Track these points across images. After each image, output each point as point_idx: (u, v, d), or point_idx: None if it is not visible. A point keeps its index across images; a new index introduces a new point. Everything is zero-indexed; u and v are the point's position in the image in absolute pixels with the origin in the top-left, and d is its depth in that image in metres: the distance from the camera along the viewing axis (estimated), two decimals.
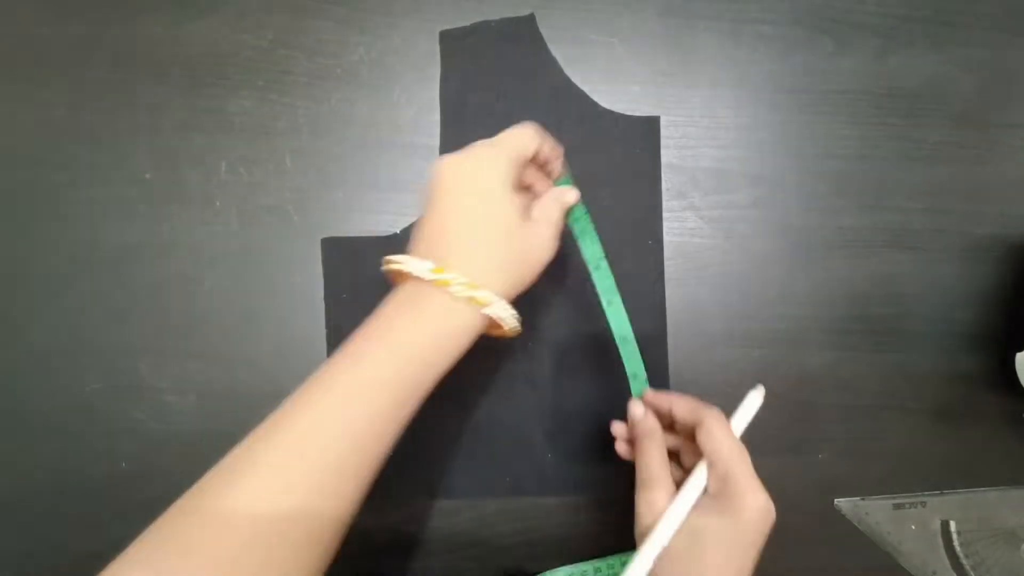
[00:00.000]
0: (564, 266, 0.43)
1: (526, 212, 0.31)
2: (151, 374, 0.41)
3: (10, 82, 0.41)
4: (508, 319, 0.29)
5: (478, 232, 0.28)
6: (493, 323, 0.29)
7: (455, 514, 0.42)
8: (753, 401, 0.34)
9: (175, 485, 0.41)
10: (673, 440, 0.34)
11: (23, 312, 0.41)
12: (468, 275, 0.27)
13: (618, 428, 0.37)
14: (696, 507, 0.29)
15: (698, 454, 0.31)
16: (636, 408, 0.35)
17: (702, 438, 0.30)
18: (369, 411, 0.27)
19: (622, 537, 0.43)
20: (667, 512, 0.29)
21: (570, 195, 0.34)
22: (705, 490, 0.30)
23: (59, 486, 0.41)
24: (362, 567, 0.42)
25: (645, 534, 0.29)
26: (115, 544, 0.41)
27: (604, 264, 0.36)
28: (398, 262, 0.28)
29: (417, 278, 0.28)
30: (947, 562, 0.44)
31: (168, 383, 0.41)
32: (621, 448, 0.36)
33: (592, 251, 0.37)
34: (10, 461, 0.41)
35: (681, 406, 0.33)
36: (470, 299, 0.27)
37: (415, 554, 0.42)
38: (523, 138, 0.32)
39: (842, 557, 0.44)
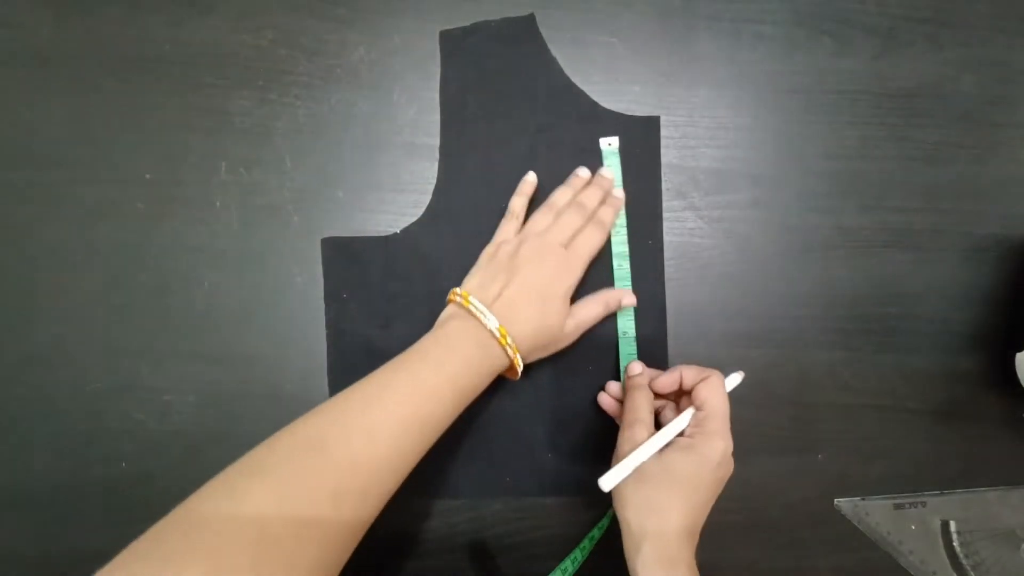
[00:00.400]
0: None
1: (567, 296, 0.39)
2: (151, 374, 0.41)
3: (10, 82, 0.41)
4: (521, 370, 0.38)
5: (533, 320, 0.37)
6: (510, 369, 0.37)
7: (455, 514, 0.42)
8: (733, 379, 0.39)
9: (175, 485, 0.41)
10: (657, 403, 0.40)
11: (23, 312, 0.41)
12: (514, 339, 0.36)
13: (613, 386, 0.42)
14: (673, 445, 0.35)
15: (677, 413, 0.38)
16: (636, 366, 0.41)
17: (701, 387, 0.36)
18: (421, 411, 0.32)
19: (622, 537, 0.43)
20: (652, 437, 0.36)
21: (626, 299, 0.42)
22: (682, 433, 0.36)
23: (59, 486, 0.41)
24: (362, 567, 0.42)
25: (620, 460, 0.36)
26: (115, 544, 0.41)
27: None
28: (478, 310, 0.35)
29: (480, 321, 0.35)
30: (947, 562, 0.44)
31: (168, 383, 0.41)
32: (605, 400, 0.42)
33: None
34: (10, 461, 0.41)
35: (690, 373, 0.38)
36: (512, 357, 0.36)
37: (415, 554, 0.42)
38: (593, 245, 0.40)
39: (842, 557, 0.44)
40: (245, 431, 0.42)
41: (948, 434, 0.45)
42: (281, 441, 0.29)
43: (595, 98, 0.44)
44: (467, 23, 0.43)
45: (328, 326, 0.42)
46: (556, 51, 0.44)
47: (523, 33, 0.43)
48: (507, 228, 0.41)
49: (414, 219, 0.43)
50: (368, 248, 0.42)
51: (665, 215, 0.44)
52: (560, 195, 0.41)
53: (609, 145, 0.43)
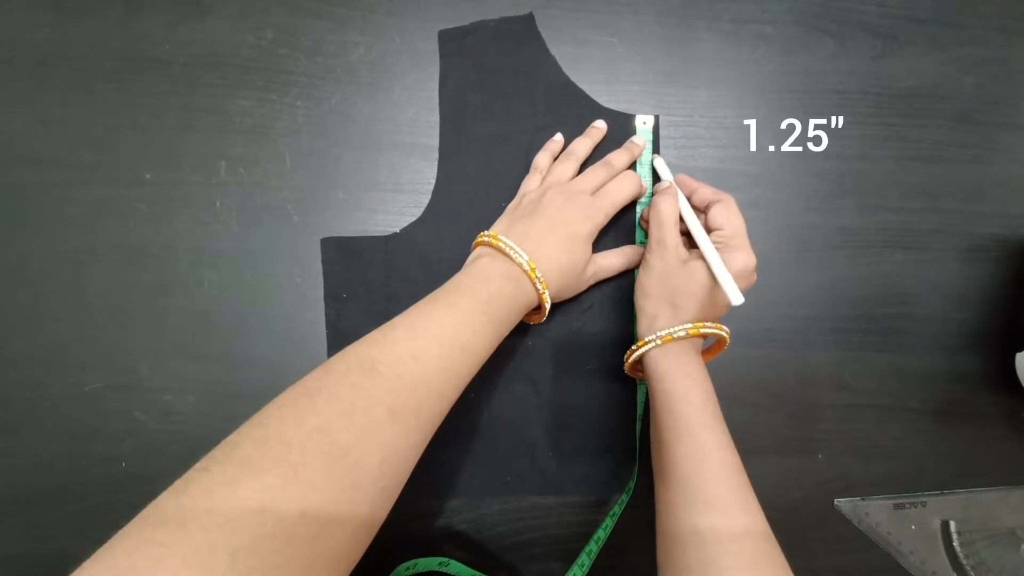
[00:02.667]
0: None
1: (591, 237, 0.39)
2: (151, 374, 0.41)
3: (10, 82, 0.41)
4: (548, 309, 0.38)
5: (559, 256, 0.37)
6: (537, 310, 0.38)
7: (455, 514, 0.42)
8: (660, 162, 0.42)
9: None
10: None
11: (23, 312, 0.41)
12: (543, 274, 0.36)
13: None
14: (699, 255, 0.38)
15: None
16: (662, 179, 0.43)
17: (718, 210, 0.38)
18: (461, 338, 0.33)
19: (622, 537, 0.43)
20: (703, 244, 0.38)
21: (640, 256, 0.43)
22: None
23: (59, 486, 0.41)
24: (362, 567, 0.42)
25: (645, 287, 0.39)
26: None
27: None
28: (508, 246, 0.36)
29: (510, 258, 0.36)
30: (947, 562, 0.44)
31: (168, 383, 0.41)
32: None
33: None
34: (10, 461, 0.41)
35: (704, 191, 0.40)
36: (541, 292, 0.37)
37: (415, 554, 0.42)
38: (624, 194, 0.41)
39: (842, 557, 0.44)
40: None
41: (948, 434, 0.45)
42: (335, 365, 0.30)
43: (595, 98, 0.44)
44: (467, 23, 0.43)
45: (328, 326, 0.42)
46: (556, 51, 0.44)
47: (522, 32, 0.44)
48: (531, 181, 0.41)
49: (414, 219, 0.43)
50: (368, 248, 0.42)
51: None
52: (580, 145, 0.42)
53: (644, 124, 0.44)
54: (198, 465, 0.24)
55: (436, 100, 0.43)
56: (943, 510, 0.45)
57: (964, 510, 0.45)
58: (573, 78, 0.44)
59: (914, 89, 0.46)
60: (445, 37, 0.43)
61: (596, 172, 0.40)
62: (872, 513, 0.44)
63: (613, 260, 0.41)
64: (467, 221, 0.43)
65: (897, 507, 0.44)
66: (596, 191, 0.40)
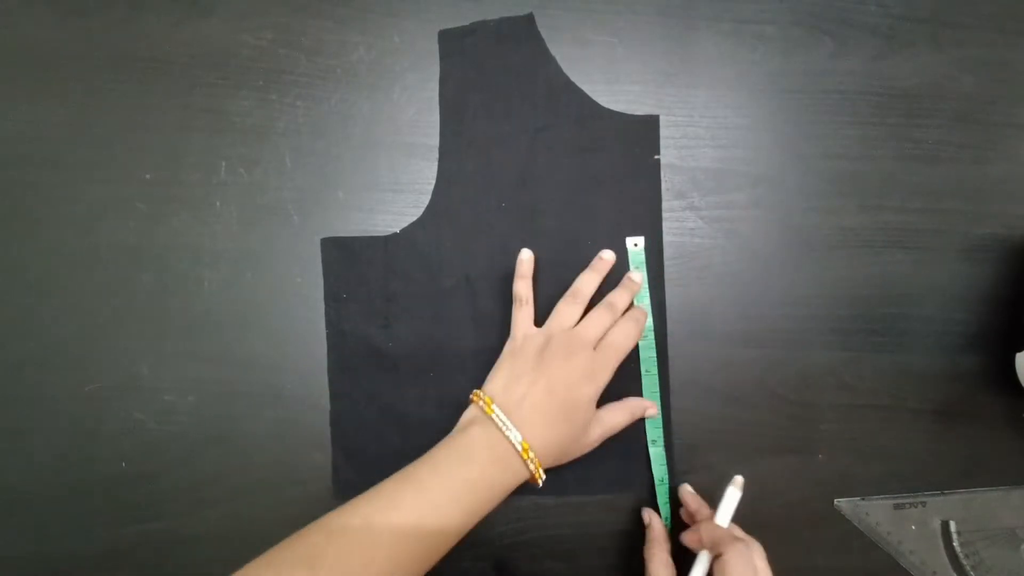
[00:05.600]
0: (567, 267, 0.43)
1: (594, 402, 0.38)
2: (151, 374, 0.41)
3: (10, 82, 0.41)
4: (542, 480, 0.36)
5: (557, 430, 0.36)
6: (531, 478, 0.36)
7: None
8: (732, 495, 0.38)
9: (175, 485, 0.42)
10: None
11: (23, 312, 0.41)
12: (537, 451, 0.35)
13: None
14: None
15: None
16: (644, 513, 0.42)
17: (720, 566, 0.34)
18: (425, 529, 0.32)
19: (622, 537, 0.43)
20: None
21: (650, 411, 0.42)
22: None
23: (59, 486, 0.41)
24: None
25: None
26: (115, 544, 0.42)
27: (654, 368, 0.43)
28: (501, 422, 0.35)
29: (502, 433, 0.35)
30: (947, 562, 0.44)
31: (168, 383, 0.41)
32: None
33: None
34: (10, 461, 0.41)
35: (708, 534, 0.36)
36: (533, 472, 0.35)
37: None
38: (629, 344, 0.40)
39: (842, 557, 0.44)
40: (245, 431, 0.42)
41: (948, 434, 0.45)
42: (280, 556, 0.30)
43: (595, 98, 0.44)
44: (467, 23, 0.43)
45: (328, 326, 0.42)
46: (556, 51, 0.44)
47: (522, 33, 0.43)
48: (522, 318, 0.40)
49: (414, 219, 0.43)
50: (368, 248, 0.42)
51: (665, 215, 0.44)
52: (585, 282, 0.41)
53: (636, 246, 0.43)
54: None
55: (436, 100, 0.43)
56: (943, 510, 0.45)
57: (964, 510, 0.45)
58: (573, 78, 0.44)
59: (914, 89, 0.46)
60: (445, 37, 0.43)
61: (600, 318, 0.39)
62: (872, 513, 0.44)
63: (619, 417, 0.40)
64: (467, 221, 0.43)
65: (897, 507, 0.44)
66: (599, 340, 0.38)
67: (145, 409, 0.41)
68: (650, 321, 0.42)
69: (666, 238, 0.44)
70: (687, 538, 0.38)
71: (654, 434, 0.43)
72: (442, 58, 0.43)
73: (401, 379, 0.42)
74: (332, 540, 0.30)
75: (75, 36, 0.42)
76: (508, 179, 0.43)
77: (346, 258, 0.42)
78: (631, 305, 0.42)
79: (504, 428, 0.34)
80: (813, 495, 0.44)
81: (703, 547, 0.36)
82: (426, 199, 0.43)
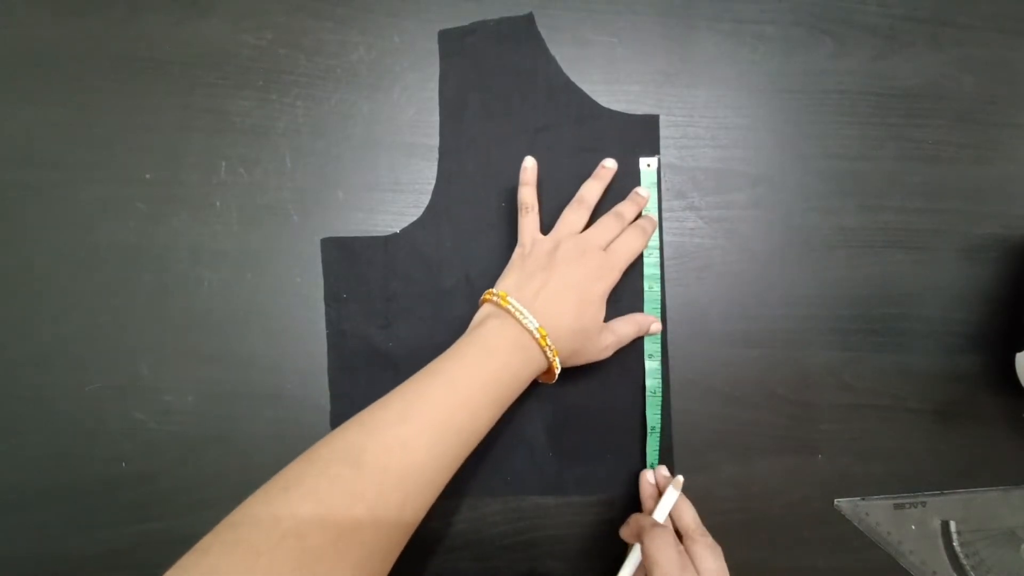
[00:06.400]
0: None
1: (604, 298, 0.38)
2: (151, 374, 0.41)
3: (10, 82, 0.41)
4: (558, 375, 0.37)
5: (571, 320, 0.36)
6: (547, 372, 0.37)
7: (455, 514, 0.42)
8: (671, 495, 0.39)
9: (175, 485, 0.42)
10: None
11: (23, 312, 0.41)
12: (554, 341, 0.35)
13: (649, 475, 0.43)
14: None
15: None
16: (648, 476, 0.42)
17: (644, 544, 0.35)
18: (457, 419, 0.32)
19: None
20: None
21: (654, 326, 0.42)
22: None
23: (59, 486, 0.41)
24: None
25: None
26: (115, 544, 0.42)
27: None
28: (517, 310, 0.35)
29: (520, 323, 0.35)
30: (947, 562, 0.44)
31: (168, 383, 0.41)
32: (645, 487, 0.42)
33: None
34: (10, 461, 0.41)
35: (636, 524, 0.38)
36: (551, 360, 0.36)
37: (415, 554, 0.42)
38: (636, 249, 0.40)
39: (842, 557, 0.44)
40: (245, 431, 0.42)
41: (948, 434, 0.45)
42: (318, 454, 0.29)
43: (595, 98, 0.44)
44: (467, 23, 0.43)
45: (328, 326, 0.42)
46: (556, 51, 0.44)
47: (522, 32, 0.44)
48: (529, 224, 0.40)
49: (414, 219, 0.43)
50: (368, 248, 0.42)
51: (665, 215, 0.44)
52: (589, 190, 0.41)
53: (648, 166, 0.43)
54: (171, 570, 0.25)
55: (436, 100, 0.43)
56: (943, 510, 0.45)
57: (964, 510, 0.45)
58: (573, 78, 0.44)
59: (914, 89, 0.46)
60: (445, 37, 0.43)
61: (608, 224, 0.40)
62: (872, 513, 0.44)
63: (627, 327, 0.40)
64: (467, 220, 0.43)
65: (897, 507, 0.44)
66: (608, 244, 0.39)
67: (145, 409, 0.41)
68: (655, 239, 0.43)
69: (666, 238, 0.44)
70: (623, 532, 0.39)
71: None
72: (442, 58, 0.43)
73: (401, 379, 0.42)
74: (372, 436, 0.30)
75: (75, 36, 0.42)
76: (508, 179, 0.43)
77: (346, 258, 0.42)
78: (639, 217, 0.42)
79: (521, 316, 0.34)
80: (813, 495, 0.44)
81: (636, 540, 0.37)
82: (426, 199, 0.43)
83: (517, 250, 0.40)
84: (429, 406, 0.31)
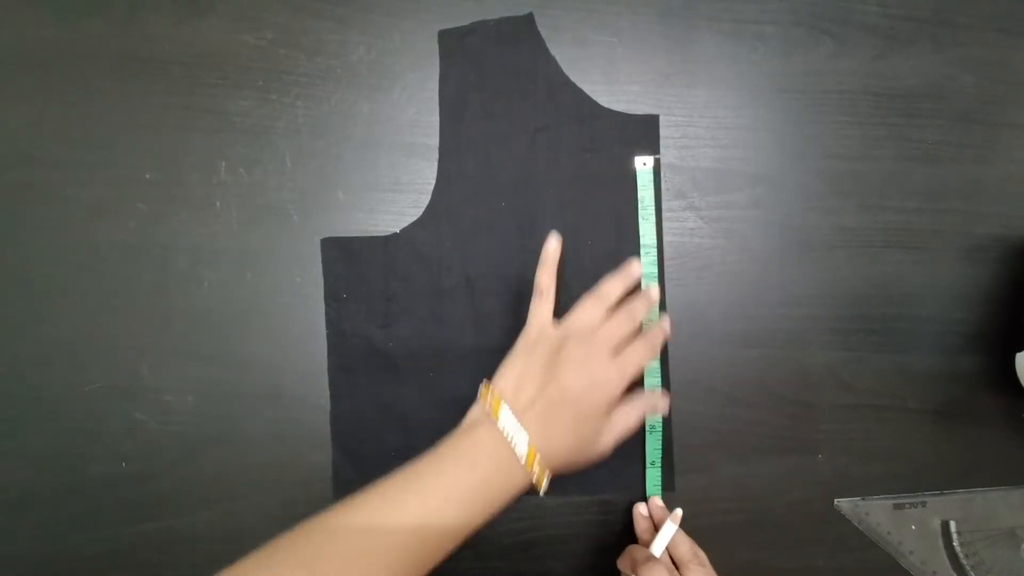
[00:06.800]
0: (567, 266, 0.43)
1: (608, 411, 0.36)
2: (151, 374, 0.41)
3: (10, 82, 0.41)
4: (546, 488, 0.35)
5: (566, 438, 0.35)
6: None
7: None
8: (668, 529, 0.39)
9: (175, 485, 0.42)
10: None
11: (23, 312, 0.41)
12: (545, 458, 0.34)
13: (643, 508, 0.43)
14: None
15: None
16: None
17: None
18: (424, 536, 0.31)
19: (622, 537, 0.43)
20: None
21: (661, 405, 0.39)
22: None
23: (59, 486, 0.41)
24: None
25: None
26: (115, 544, 0.42)
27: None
28: (508, 429, 0.33)
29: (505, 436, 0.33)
30: (947, 562, 0.44)
31: (168, 383, 0.41)
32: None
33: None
34: (10, 461, 0.41)
35: (632, 555, 0.38)
36: (538, 479, 0.34)
37: None
38: (647, 359, 0.38)
39: (842, 557, 0.44)
40: (245, 431, 0.42)
41: (948, 434, 0.45)
42: (278, 551, 0.29)
43: (595, 98, 0.44)
44: (467, 23, 0.43)
45: (328, 326, 0.42)
46: (556, 51, 0.44)
47: (522, 32, 0.43)
48: (541, 310, 0.38)
49: (414, 219, 0.43)
50: (368, 248, 0.42)
51: (665, 215, 0.44)
52: (610, 287, 0.39)
53: (644, 165, 0.43)
54: None
55: (436, 100, 0.43)
56: (943, 510, 0.45)
57: (964, 510, 0.45)
58: (573, 78, 0.44)
59: (914, 89, 0.46)
60: (445, 37, 0.43)
61: (620, 325, 0.37)
62: (872, 513, 0.44)
63: (630, 420, 0.37)
64: (467, 221, 0.43)
65: (897, 507, 0.44)
66: (617, 347, 0.37)
67: (145, 409, 0.41)
68: (653, 236, 0.43)
69: (666, 238, 0.44)
70: (620, 563, 0.39)
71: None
72: (442, 58, 0.43)
73: (401, 379, 0.42)
74: (332, 541, 0.29)
75: (75, 36, 0.42)
76: (508, 179, 0.43)
77: (346, 258, 0.42)
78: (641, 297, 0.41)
79: (511, 433, 0.33)
80: (813, 495, 0.44)
81: (632, 572, 0.37)
82: (426, 199, 0.43)
83: (523, 335, 0.38)
84: (396, 518, 0.30)
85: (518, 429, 0.33)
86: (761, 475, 0.44)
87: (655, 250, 0.43)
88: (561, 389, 0.35)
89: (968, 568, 0.44)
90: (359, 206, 0.43)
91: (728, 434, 0.44)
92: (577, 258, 0.43)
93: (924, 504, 0.45)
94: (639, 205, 0.43)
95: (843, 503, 0.44)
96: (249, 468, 0.42)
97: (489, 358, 0.42)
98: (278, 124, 0.42)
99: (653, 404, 0.39)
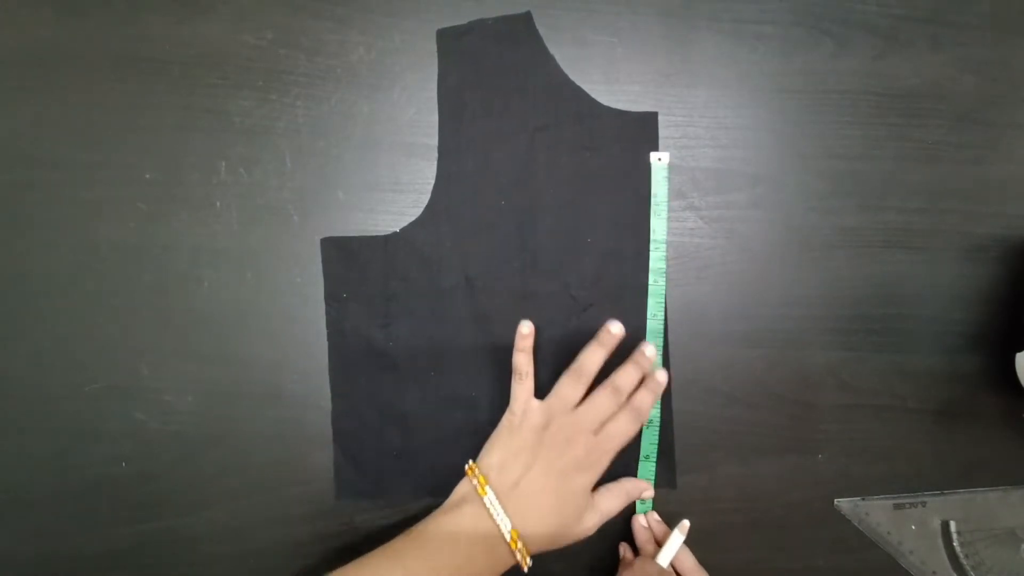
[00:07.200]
0: (567, 265, 0.43)
1: (590, 492, 0.38)
2: (151, 374, 0.41)
3: (10, 82, 0.41)
4: (530, 565, 0.36)
5: (548, 520, 0.36)
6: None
7: None
8: (676, 539, 0.40)
9: (175, 485, 0.42)
10: None
11: (23, 312, 0.41)
12: (527, 540, 0.35)
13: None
14: None
15: None
16: (621, 548, 0.43)
17: None
18: None
19: (621, 537, 0.43)
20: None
21: (647, 493, 0.41)
22: None
23: (59, 486, 0.41)
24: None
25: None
26: (115, 544, 0.42)
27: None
28: (491, 509, 0.34)
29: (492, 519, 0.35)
30: (947, 562, 0.44)
31: (168, 383, 0.41)
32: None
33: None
34: (10, 461, 0.41)
35: (641, 569, 0.39)
36: (522, 558, 0.35)
37: None
38: (630, 435, 0.38)
39: (842, 557, 0.44)
40: (245, 431, 0.42)
41: (948, 434, 0.45)
42: None
43: (595, 98, 0.44)
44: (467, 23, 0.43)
45: (328, 326, 0.42)
46: (556, 51, 0.44)
47: (520, 31, 0.43)
48: (522, 391, 0.39)
49: (414, 219, 0.43)
50: (368, 248, 0.42)
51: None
52: (590, 359, 0.39)
53: (660, 160, 0.43)
54: None
55: (436, 100, 0.43)
56: (943, 510, 0.45)
57: (964, 510, 0.45)
58: (573, 78, 0.44)
59: (914, 89, 0.46)
60: (443, 36, 0.43)
61: (604, 403, 0.38)
62: (872, 513, 0.44)
63: (615, 502, 0.39)
64: (467, 220, 0.43)
65: (897, 507, 0.44)
66: (601, 425, 0.37)
67: (145, 409, 0.41)
68: (663, 232, 0.43)
69: (666, 238, 0.44)
70: (625, 573, 0.39)
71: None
72: (440, 57, 0.43)
73: (402, 378, 0.42)
74: None
75: (75, 36, 0.42)
76: (507, 178, 0.43)
77: (346, 258, 0.42)
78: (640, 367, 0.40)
79: (495, 515, 0.34)
80: (813, 495, 0.44)
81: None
82: (426, 199, 0.43)
83: (507, 416, 0.39)
84: None
85: (500, 512, 0.34)
86: (761, 475, 0.44)
87: (664, 245, 0.43)
88: (544, 472, 0.36)
89: (968, 568, 0.44)
90: (359, 206, 0.43)
91: (728, 434, 0.44)
92: (576, 257, 0.43)
93: (924, 504, 0.45)
94: (652, 201, 0.43)
95: (843, 503, 0.44)
96: (249, 468, 0.42)
97: (489, 358, 0.42)
98: (278, 124, 0.42)
99: (639, 491, 0.41)
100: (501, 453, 0.37)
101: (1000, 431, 0.45)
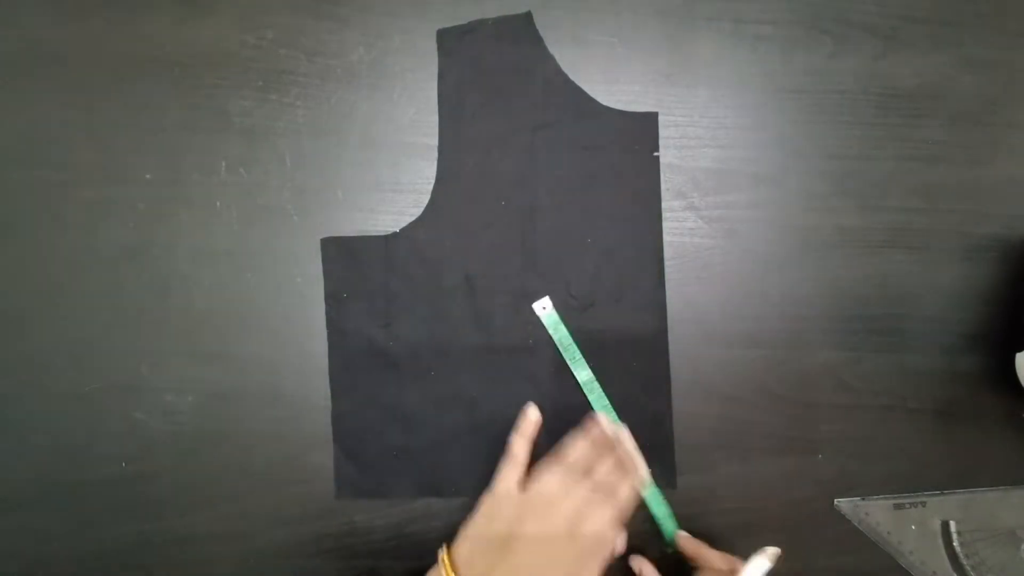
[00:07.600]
0: (567, 265, 0.43)
1: None
2: (151, 374, 0.41)
3: (10, 82, 0.41)
4: None
5: None
6: None
7: (455, 513, 0.42)
8: (760, 565, 0.37)
9: (175, 485, 0.42)
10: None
11: (23, 312, 0.41)
12: None
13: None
14: None
15: None
16: (633, 562, 0.41)
17: None
18: None
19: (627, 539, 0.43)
20: None
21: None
22: None
23: (59, 486, 0.41)
24: (362, 567, 0.42)
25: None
26: (115, 544, 0.42)
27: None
28: None
29: None
30: (947, 562, 0.44)
31: (168, 383, 0.41)
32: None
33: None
34: (10, 461, 0.41)
35: (715, 559, 0.38)
36: None
37: (415, 554, 0.42)
38: (606, 528, 0.36)
39: (842, 557, 0.44)
40: (245, 431, 0.42)
41: (948, 434, 0.45)
42: None
43: (595, 98, 0.44)
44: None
45: (328, 326, 0.42)
46: (556, 51, 0.44)
47: (520, 31, 0.44)
48: (509, 475, 0.38)
49: (414, 219, 0.43)
50: (368, 248, 0.42)
51: (665, 215, 0.44)
52: (573, 449, 0.38)
53: (544, 309, 0.42)
54: None
55: (436, 100, 0.43)
56: (943, 510, 0.45)
57: (964, 510, 0.45)
58: (573, 78, 0.44)
59: (914, 89, 0.46)
60: (443, 36, 0.43)
61: (584, 497, 0.36)
62: (872, 513, 0.44)
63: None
64: (467, 220, 0.43)
65: (897, 507, 0.44)
66: (581, 518, 0.35)
67: (145, 409, 0.41)
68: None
69: (666, 238, 0.44)
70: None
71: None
72: (440, 56, 0.43)
73: (402, 378, 0.42)
74: None
75: (76, 36, 0.42)
76: (507, 177, 0.43)
77: (346, 258, 0.42)
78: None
79: None
80: (813, 495, 0.44)
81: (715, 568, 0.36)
82: (426, 198, 0.43)
83: (487, 495, 0.38)
84: None
85: None
86: (761, 475, 0.44)
87: (576, 347, 0.42)
88: (513, 568, 0.34)
89: (968, 568, 0.44)
90: (359, 206, 0.43)
91: (728, 434, 0.44)
92: (576, 256, 0.43)
93: (924, 504, 0.45)
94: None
95: (843, 503, 0.44)
96: (249, 468, 0.42)
97: (489, 357, 0.42)
98: (278, 124, 0.42)
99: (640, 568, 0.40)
100: (473, 539, 0.36)
101: (1000, 431, 0.45)
